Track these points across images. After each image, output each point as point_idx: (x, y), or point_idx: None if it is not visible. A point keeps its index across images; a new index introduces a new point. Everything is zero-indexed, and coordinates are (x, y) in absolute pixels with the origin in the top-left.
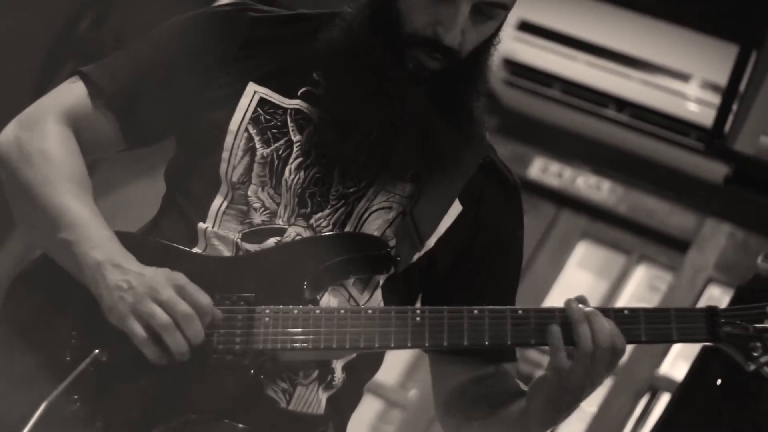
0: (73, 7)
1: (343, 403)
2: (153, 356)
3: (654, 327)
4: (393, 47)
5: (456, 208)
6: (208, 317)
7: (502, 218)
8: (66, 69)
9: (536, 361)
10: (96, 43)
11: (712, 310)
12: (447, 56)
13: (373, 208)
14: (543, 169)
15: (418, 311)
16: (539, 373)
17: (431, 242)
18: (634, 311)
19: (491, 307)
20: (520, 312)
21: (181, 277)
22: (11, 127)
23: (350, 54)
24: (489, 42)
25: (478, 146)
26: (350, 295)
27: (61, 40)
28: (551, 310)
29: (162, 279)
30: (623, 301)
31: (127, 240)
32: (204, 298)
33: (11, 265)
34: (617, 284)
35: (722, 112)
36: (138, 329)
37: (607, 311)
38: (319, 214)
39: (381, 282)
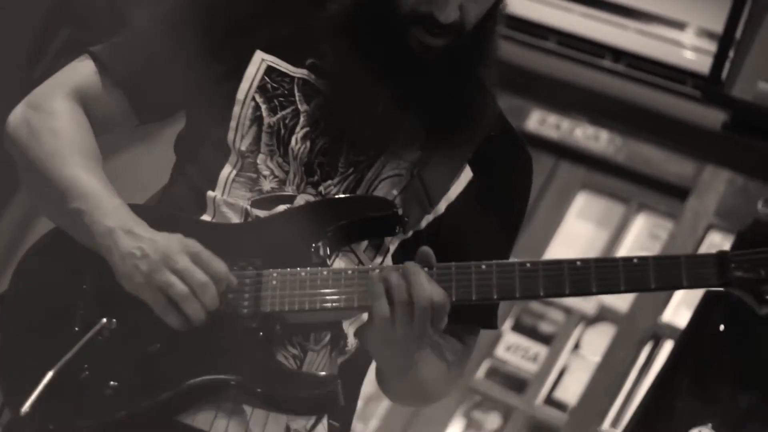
0: None
1: (355, 369)
2: (175, 323)
3: (663, 274)
4: (394, 27)
5: (467, 175)
6: (224, 284)
7: (511, 188)
8: (61, 36)
9: (539, 313)
10: (92, 10)
11: (722, 255)
12: (448, 32)
13: (383, 176)
14: (541, 121)
15: (426, 269)
16: (541, 325)
17: (441, 207)
18: (643, 259)
19: (499, 261)
20: (528, 265)
21: (195, 244)
22: (20, 108)
23: (354, 32)
24: (494, 10)
25: (489, 114)
26: (360, 261)
27: (55, 6)
28: (560, 262)
29: (176, 246)
30: (624, 250)
31: (137, 211)
32: (219, 265)
33: (10, 234)
34: (618, 234)
35: (719, 59)
36: (157, 298)
37: (615, 261)
38: (329, 182)
39: (392, 249)
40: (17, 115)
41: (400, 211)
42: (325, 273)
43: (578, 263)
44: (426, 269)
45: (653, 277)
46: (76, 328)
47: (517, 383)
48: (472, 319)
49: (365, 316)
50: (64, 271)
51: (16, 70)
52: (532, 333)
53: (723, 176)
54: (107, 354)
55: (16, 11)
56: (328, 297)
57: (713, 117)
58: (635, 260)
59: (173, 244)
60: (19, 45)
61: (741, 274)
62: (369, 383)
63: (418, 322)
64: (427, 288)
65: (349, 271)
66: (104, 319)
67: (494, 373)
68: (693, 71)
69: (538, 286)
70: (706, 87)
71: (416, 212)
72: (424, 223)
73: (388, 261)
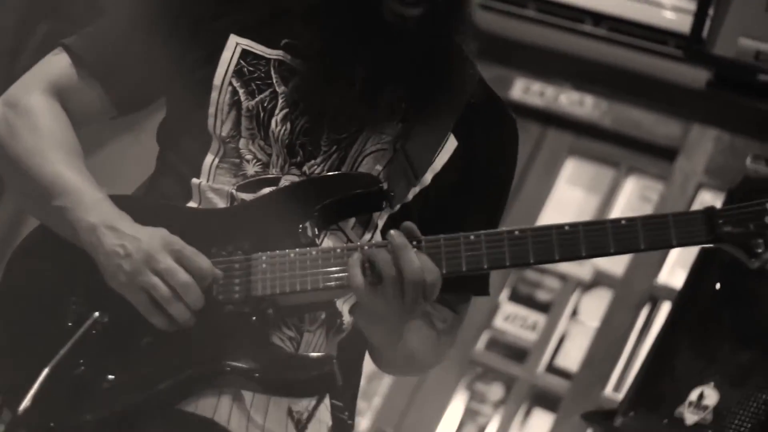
0: None
1: (354, 347)
2: (160, 324)
3: (652, 233)
4: (367, 0)
5: (452, 144)
6: (208, 280)
7: (497, 154)
8: (40, 30)
9: (535, 281)
10: (70, 3)
11: (710, 211)
12: (421, 1)
13: (366, 152)
14: (525, 90)
15: (414, 242)
16: (537, 293)
17: (427, 178)
18: (631, 220)
19: (487, 231)
20: (516, 232)
21: (177, 242)
22: None
23: (327, 8)
24: None
25: (468, 82)
26: (348, 239)
27: (31, 2)
28: (548, 228)
29: (158, 245)
30: (616, 214)
31: (120, 202)
32: (203, 262)
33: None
34: (608, 198)
35: (699, 17)
36: (141, 299)
37: (604, 223)
38: (312, 162)
39: (380, 224)
40: None
41: (385, 186)
42: (314, 253)
43: (566, 227)
44: (414, 243)
45: (642, 237)
46: (69, 324)
47: (518, 353)
48: (463, 287)
49: None
50: (53, 267)
51: None
52: (529, 302)
53: (710, 134)
54: (102, 348)
55: None
56: (318, 277)
57: (697, 76)
58: (623, 221)
59: (156, 242)
60: None
61: (730, 229)
62: (370, 361)
63: (409, 296)
64: (416, 263)
65: (338, 250)
66: (96, 313)
67: (494, 344)
68: (674, 31)
69: (527, 253)
70: (688, 46)
71: (402, 186)
72: (411, 196)
73: (377, 237)
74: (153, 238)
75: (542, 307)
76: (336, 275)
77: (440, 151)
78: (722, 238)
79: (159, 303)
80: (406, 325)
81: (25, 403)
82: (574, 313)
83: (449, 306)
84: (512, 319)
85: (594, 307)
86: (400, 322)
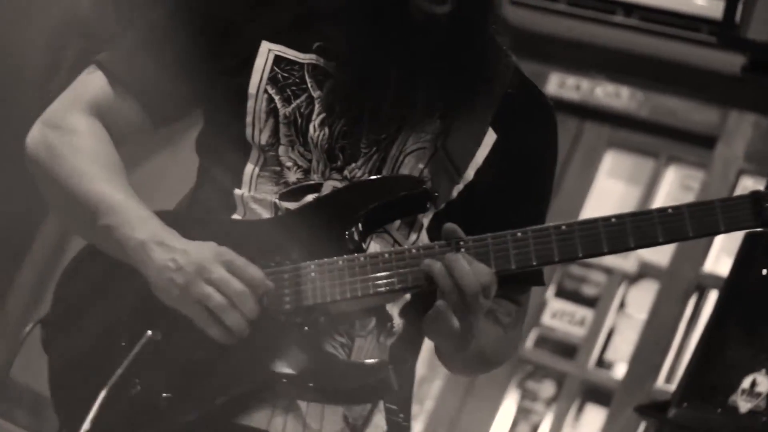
0: None
1: (406, 349)
2: (218, 335)
3: (699, 220)
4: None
5: (491, 137)
6: (262, 289)
7: (537, 141)
8: (72, 51)
9: (581, 276)
10: (100, 22)
11: (756, 195)
12: None
13: (407, 151)
14: (560, 84)
15: (462, 243)
16: (584, 288)
17: (470, 174)
18: (677, 208)
19: (534, 227)
20: (563, 227)
21: (228, 252)
22: (37, 128)
23: (357, 9)
24: None
25: (504, 73)
26: (395, 241)
27: (63, 22)
28: (594, 221)
29: (209, 255)
30: (658, 203)
31: (167, 219)
32: (255, 272)
33: (48, 255)
34: (650, 189)
35: (731, 2)
36: (197, 311)
37: (650, 213)
38: (353, 165)
39: (425, 224)
40: (35, 135)
41: (429, 186)
42: (362, 259)
43: (613, 219)
44: (461, 243)
45: (690, 225)
46: (123, 343)
47: (567, 349)
48: (520, 279)
49: (408, 296)
50: (103, 287)
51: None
52: (576, 297)
53: (748, 120)
54: (156, 366)
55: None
56: (368, 283)
57: (732, 61)
58: (670, 210)
59: (207, 253)
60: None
61: None
62: (420, 365)
63: (471, 303)
64: (471, 272)
65: (386, 254)
66: (149, 331)
67: (543, 342)
68: (706, 17)
69: (576, 248)
70: (721, 32)
71: (445, 184)
72: (455, 193)
73: (423, 236)
74: (203, 250)
75: (589, 302)
76: (386, 280)
77: (481, 145)
78: None
79: (215, 313)
80: (474, 326)
81: (85, 426)
82: (622, 306)
83: (510, 299)
84: (560, 316)
85: (641, 300)
86: (467, 326)
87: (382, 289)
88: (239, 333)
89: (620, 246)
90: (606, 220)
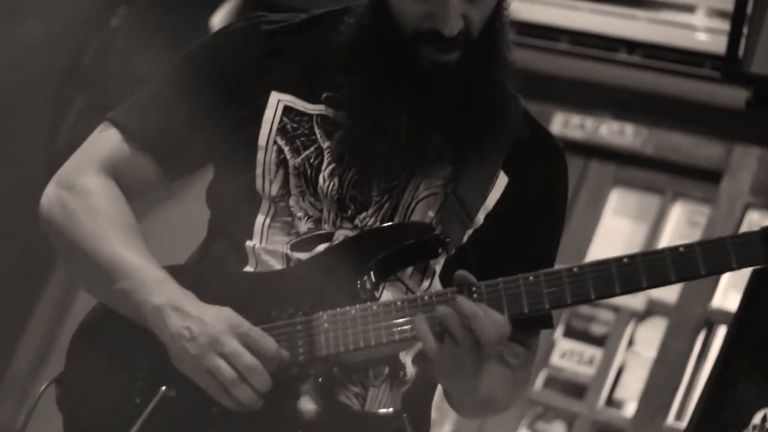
0: (75, 41)
1: (420, 396)
2: (229, 405)
3: (711, 258)
4: (402, 49)
5: (503, 180)
6: (275, 363)
7: (549, 185)
8: (77, 104)
9: (589, 315)
10: (103, 74)
11: (767, 231)
12: (457, 45)
13: (419, 198)
14: (564, 124)
15: (474, 288)
16: (592, 327)
17: (480, 218)
18: (688, 246)
19: (545, 270)
20: (575, 270)
21: (243, 324)
22: (51, 188)
23: (364, 60)
24: (497, 11)
25: (513, 117)
26: (407, 288)
27: (67, 75)
28: (606, 262)
29: (224, 327)
30: (665, 240)
31: (179, 275)
32: (269, 344)
33: (51, 314)
34: (656, 225)
35: (733, 37)
36: (208, 382)
37: (662, 252)
38: (364, 214)
39: (438, 270)
40: (50, 196)
41: (440, 233)
42: (375, 308)
43: (625, 260)
44: (474, 289)
45: (702, 263)
46: (138, 400)
47: (577, 389)
48: (529, 322)
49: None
50: (117, 344)
51: (37, 143)
52: (585, 336)
53: (753, 154)
54: (171, 422)
55: (29, 85)
56: (382, 332)
57: (736, 96)
58: (681, 249)
59: (222, 325)
60: (36, 118)
61: None
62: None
63: (486, 351)
64: (487, 321)
65: (399, 303)
66: (164, 387)
67: (552, 382)
68: (709, 53)
69: (588, 290)
70: (725, 67)
71: (456, 230)
72: (465, 238)
73: (436, 283)
74: (218, 320)
75: (598, 341)
76: (399, 329)
77: (491, 189)
78: None
79: (224, 386)
80: (483, 370)
81: None
82: (630, 344)
83: (519, 341)
84: (569, 356)
85: (650, 337)
86: (477, 370)
87: (396, 337)
88: (249, 406)
89: (633, 286)
90: (618, 260)
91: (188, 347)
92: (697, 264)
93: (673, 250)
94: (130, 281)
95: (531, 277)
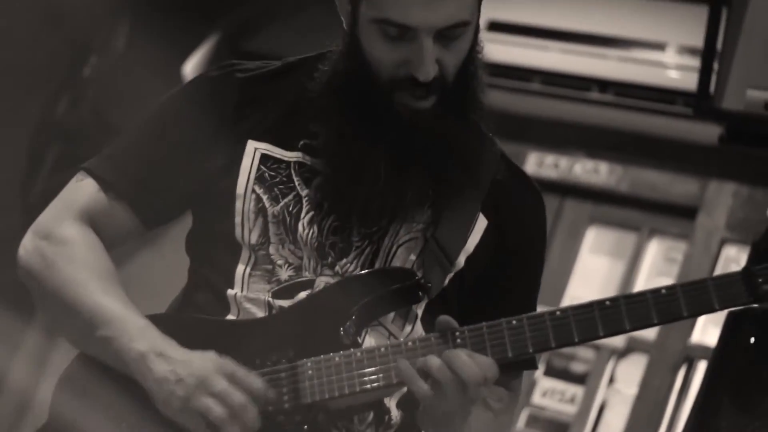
0: (48, 92)
1: None
2: None
3: (693, 299)
4: (378, 97)
5: (482, 223)
6: (263, 401)
7: (527, 227)
8: (51, 154)
9: (569, 354)
10: (77, 123)
11: (747, 272)
12: (432, 90)
13: (400, 242)
14: (539, 163)
15: (458, 333)
16: (573, 365)
17: (461, 261)
18: (671, 288)
19: (528, 314)
20: (558, 313)
21: (229, 364)
22: (29, 238)
23: (341, 107)
24: (471, 55)
25: (490, 160)
26: (390, 333)
27: (41, 126)
28: (589, 305)
29: (211, 367)
30: (643, 277)
31: (161, 323)
32: (256, 382)
33: (32, 363)
34: (633, 263)
35: (704, 73)
36: (198, 424)
37: (644, 294)
38: (344, 260)
39: (419, 313)
40: (27, 246)
41: (421, 277)
42: (359, 354)
43: (607, 303)
44: (457, 334)
45: (684, 304)
46: None
47: (559, 427)
48: (512, 364)
49: (406, 388)
50: (101, 394)
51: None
52: (566, 375)
53: (728, 189)
54: None
55: (3, 137)
56: (366, 378)
57: (708, 132)
58: (663, 291)
59: (208, 365)
60: (12, 171)
61: None
62: None
63: (473, 395)
64: (472, 365)
65: (382, 348)
66: None
67: (534, 421)
68: (681, 90)
69: (572, 333)
70: (697, 103)
71: (437, 274)
72: (446, 281)
73: (418, 327)
74: (204, 361)
75: (579, 379)
76: (383, 374)
77: (471, 232)
78: (764, 297)
79: (215, 426)
80: (468, 414)
81: None
82: (611, 381)
83: (502, 384)
84: (550, 394)
85: (630, 374)
86: (465, 416)
87: (380, 383)
88: None
89: (616, 329)
90: (600, 303)
91: (176, 390)
92: (679, 306)
93: (655, 292)
94: (111, 328)
95: (514, 321)
